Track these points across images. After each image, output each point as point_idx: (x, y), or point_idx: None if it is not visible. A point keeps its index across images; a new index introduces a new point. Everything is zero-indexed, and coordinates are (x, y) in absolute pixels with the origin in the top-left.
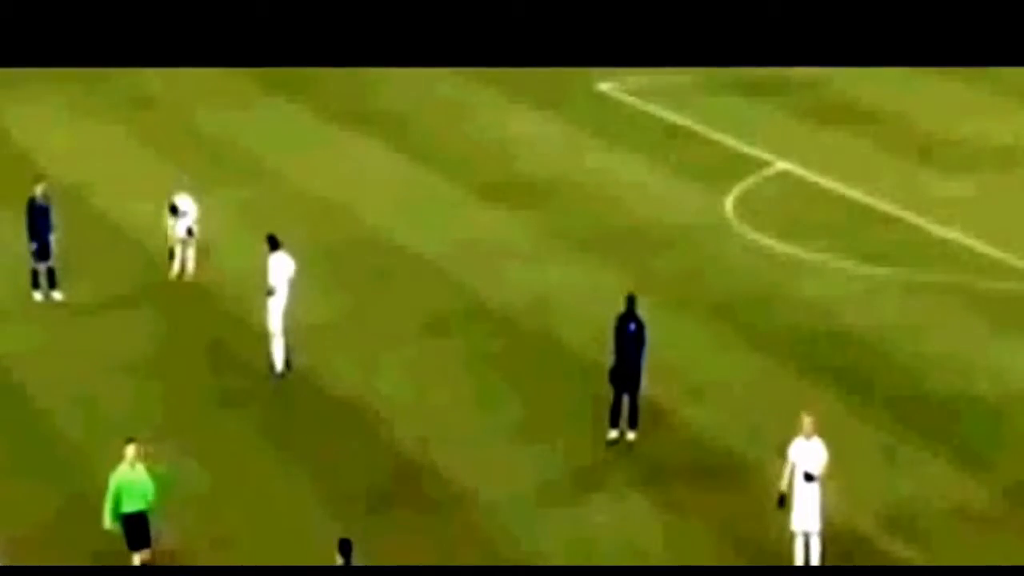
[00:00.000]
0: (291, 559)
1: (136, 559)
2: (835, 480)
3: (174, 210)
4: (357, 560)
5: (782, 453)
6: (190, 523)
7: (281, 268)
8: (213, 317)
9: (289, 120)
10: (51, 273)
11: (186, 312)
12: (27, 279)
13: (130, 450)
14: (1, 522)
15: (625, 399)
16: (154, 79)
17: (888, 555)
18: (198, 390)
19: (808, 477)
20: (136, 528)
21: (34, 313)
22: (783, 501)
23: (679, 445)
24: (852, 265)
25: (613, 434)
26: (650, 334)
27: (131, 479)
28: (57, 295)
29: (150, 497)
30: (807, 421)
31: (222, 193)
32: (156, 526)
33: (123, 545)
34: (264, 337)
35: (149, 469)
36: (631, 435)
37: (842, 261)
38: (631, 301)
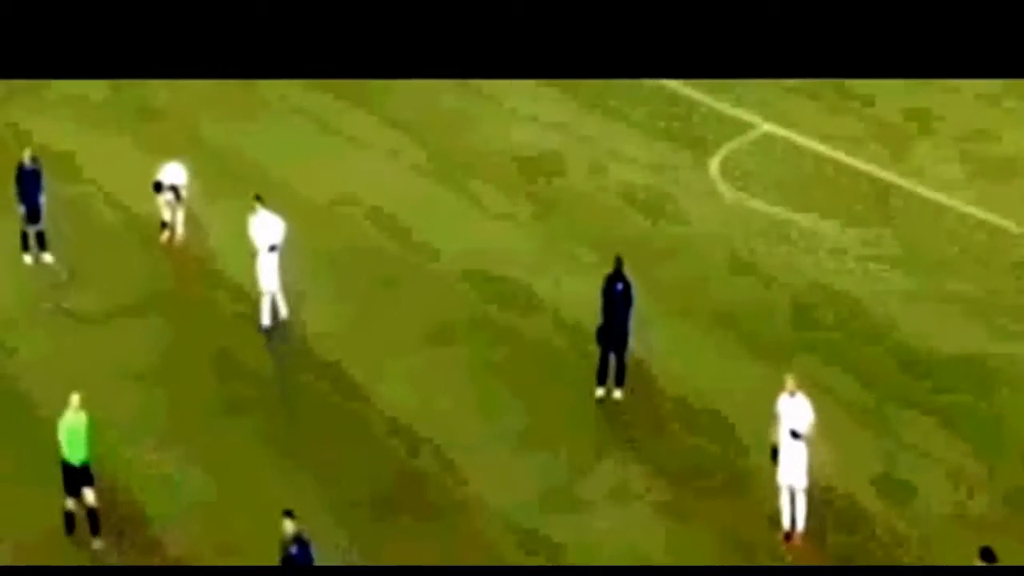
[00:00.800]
0: None
1: (70, 503)
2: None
3: (158, 187)
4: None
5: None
6: (195, 530)
7: (267, 227)
8: (219, 325)
9: (295, 130)
10: (40, 236)
11: (192, 320)
12: (34, 288)
13: (74, 398)
14: (8, 528)
15: (612, 359)
16: (160, 90)
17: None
18: (203, 397)
19: (794, 435)
20: (75, 476)
21: (40, 320)
22: (775, 454)
23: (682, 451)
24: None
25: (600, 392)
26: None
27: (74, 427)
28: (47, 257)
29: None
30: (789, 379)
31: (227, 203)
32: (162, 532)
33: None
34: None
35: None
36: (618, 393)
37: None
38: (619, 262)
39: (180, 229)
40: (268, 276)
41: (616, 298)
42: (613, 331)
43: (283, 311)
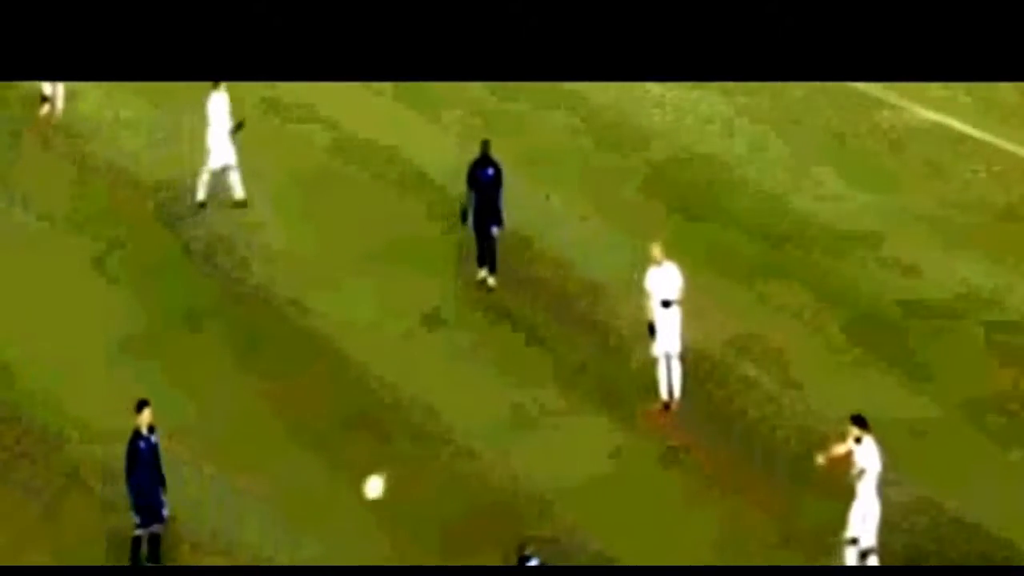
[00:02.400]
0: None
1: None
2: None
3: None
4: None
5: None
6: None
7: (220, 108)
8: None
9: None
10: None
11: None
12: None
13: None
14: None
15: (486, 243)
16: None
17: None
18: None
19: (666, 304)
20: None
21: None
22: (653, 330)
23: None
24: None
25: (481, 274)
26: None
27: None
28: None
29: None
30: (655, 248)
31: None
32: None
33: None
34: None
35: None
36: (491, 280)
37: None
38: (485, 145)
39: (60, 104)
40: (223, 152)
41: (486, 183)
42: (485, 216)
43: (238, 191)
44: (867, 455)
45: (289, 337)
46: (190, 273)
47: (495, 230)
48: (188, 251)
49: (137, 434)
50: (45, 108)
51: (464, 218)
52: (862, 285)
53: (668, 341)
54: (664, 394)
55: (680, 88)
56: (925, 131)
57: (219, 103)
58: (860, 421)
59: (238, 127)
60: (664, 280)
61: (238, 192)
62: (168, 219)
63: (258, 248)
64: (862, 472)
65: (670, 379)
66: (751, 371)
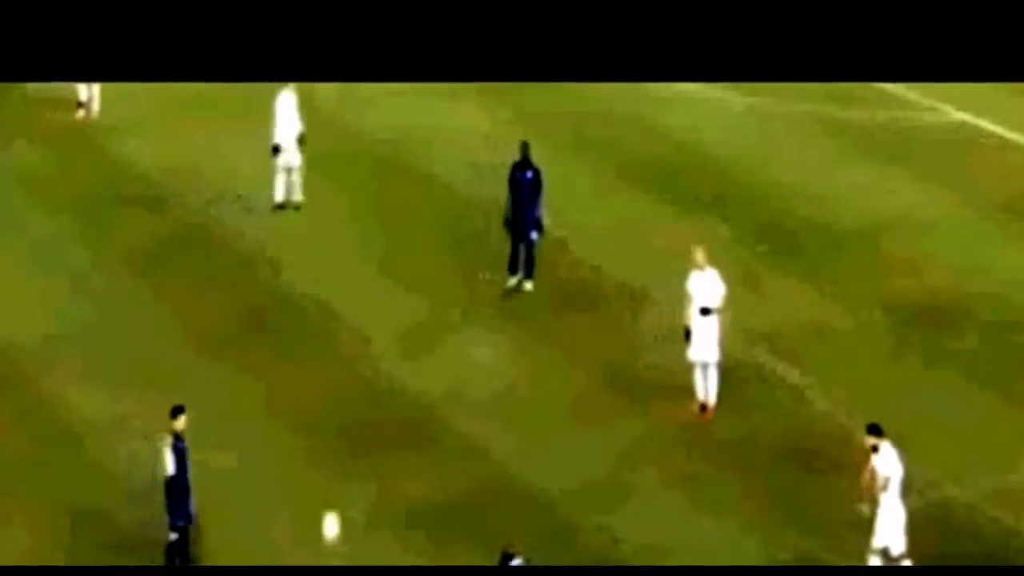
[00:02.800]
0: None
1: None
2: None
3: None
4: None
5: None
6: None
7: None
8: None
9: None
10: None
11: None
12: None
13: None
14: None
15: (522, 248)
16: None
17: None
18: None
19: (704, 311)
20: None
21: None
22: (688, 334)
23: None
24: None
25: (512, 282)
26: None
27: None
28: None
29: None
30: (698, 252)
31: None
32: None
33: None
34: None
35: None
36: (528, 284)
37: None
38: (525, 148)
39: (96, 106)
40: (289, 153)
41: (526, 186)
42: (522, 220)
43: (297, 194)
44: (887, 462)
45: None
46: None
47: (535, 235)
48: None
49: (177, 438)
50: (81, 111)
51: (506, 221)
52: (900, 282)
53: (706, 349)
54: (701, 397)
55: (699, 87)
56: (952, 130)
57: (287, 103)
58: (875, 429)
59: (301, 139)
60: (704, 286)
61: (296, 194)
62: None
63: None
64: (886, 480)
65: (706, 387)
66: (782, 368)
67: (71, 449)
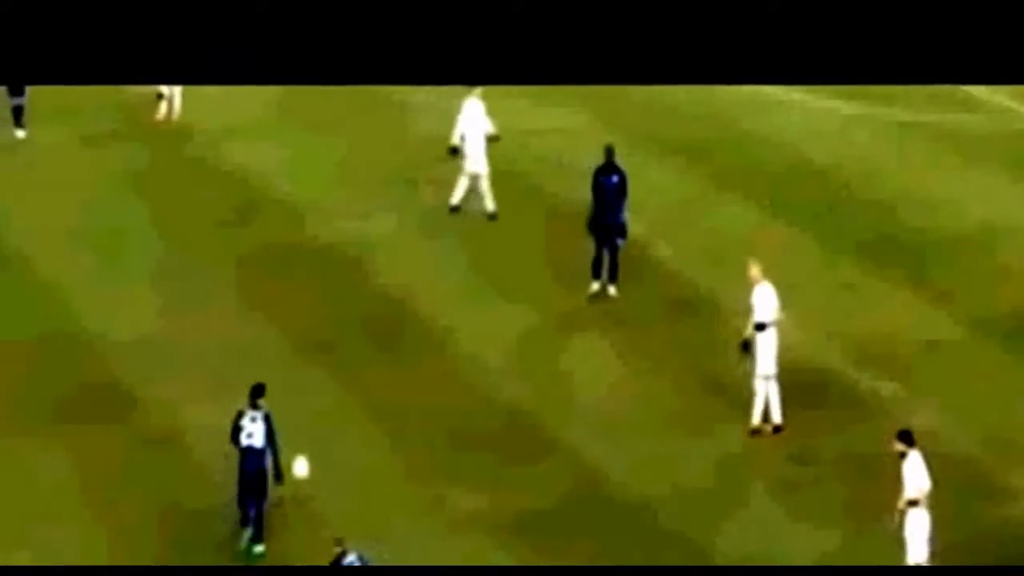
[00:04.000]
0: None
1: None
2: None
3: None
4: None
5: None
6: None
7: (476, 114)
8: None
9: None
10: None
11: None
12: None
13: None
14: None
15: (606, 252)
16: None
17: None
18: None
19: (759, 327)
20: None
21: None
22: (747, 346)
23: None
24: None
25: (595, 287)
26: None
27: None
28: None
29: None
30: (753, 267)
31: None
32: None
33: None
34: None
35: None
36: (612, 289)
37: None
38: (610, 152)
39: (177, 101)
40: (477, 159)
41: (610, 190)
42: (607, 224)
43: (490, 203)
44: (915, 470)
45: None
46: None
47: (619, 241)
48: None
49: (267, 418)
50: (163, 108)
51: (590, 225)
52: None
53: (764, 363)
54: (757, 418)
55: (803, 94)
56: None
57: (475, 108)
58: (905, 437)
59: (494, 138)
60: (759, 301)
61: (489, 204)
62: None
63: None
64: (916, 489)
65: (769, 401)
66: (886, 380)
67: (168, 451)
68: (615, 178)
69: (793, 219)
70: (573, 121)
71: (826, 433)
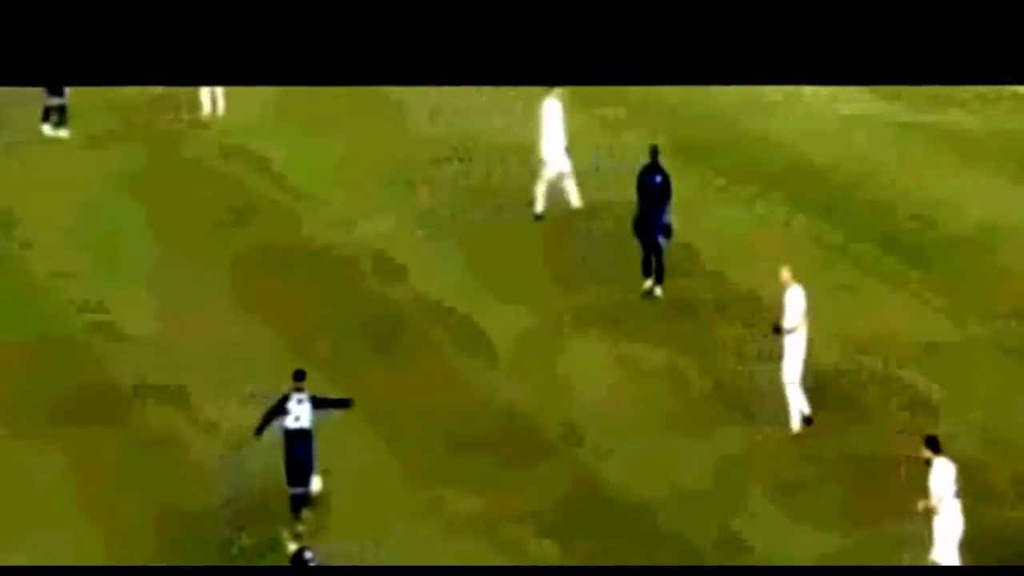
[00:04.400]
0: None
1: None
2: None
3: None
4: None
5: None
6: None
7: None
8: None
9: None
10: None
11: None
12: None
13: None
14: None
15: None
16: None
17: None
18: None
19: (776, 330)
20: None
21: None
22: (778, 329)
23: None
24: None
25: (647, 284)
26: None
27: None
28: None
29: None
30: (784, 272)
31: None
32: None
33: None
34: None
35: None
36: (658, 291)
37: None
38: (655, 153)
39: (221, 101)
40: (558, 160)
41: (654, 190)
42: (651, 225)
43: (575, 199)
44: (941, 476)
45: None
46: None
47: (663, 241)
48: None
49: (314, 398)
50: (206, 109)
51: (635, 226)
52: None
53: (790, 368)
54: (795, 420)
55: (808, 94)
56: None
57: (553, 109)
58: (931, 443)
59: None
60: (789, 305)
61: (574, 200)
62: None
63: None
64: (943, 494)
65: (799, 404)
66: (889, 380)
67: (165, 453)
68: (659, 178)
69: (793, 219)
70: (572, 121)
71: (826, 434)
